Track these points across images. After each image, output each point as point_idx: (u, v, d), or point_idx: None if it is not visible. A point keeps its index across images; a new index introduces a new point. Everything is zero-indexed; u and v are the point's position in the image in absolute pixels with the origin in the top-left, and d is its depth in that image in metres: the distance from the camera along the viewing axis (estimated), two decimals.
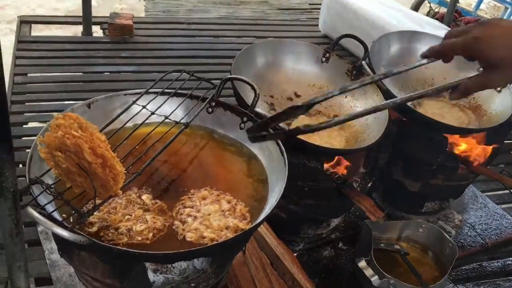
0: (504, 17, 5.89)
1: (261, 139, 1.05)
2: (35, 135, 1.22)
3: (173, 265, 1.22)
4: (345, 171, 1.78)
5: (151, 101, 1.41)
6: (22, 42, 3.48)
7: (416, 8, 5.33)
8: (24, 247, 1.08)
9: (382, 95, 1.81)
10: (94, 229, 1.12)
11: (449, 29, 3.84)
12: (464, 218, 2.22)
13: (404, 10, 3.91)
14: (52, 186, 1.07)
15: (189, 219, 1.19)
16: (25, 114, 2.85)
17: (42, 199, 1.07)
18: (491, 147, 1.98)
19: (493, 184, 2.64)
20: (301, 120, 1.72)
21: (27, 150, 1.20)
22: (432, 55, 1.03)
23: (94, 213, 1.11)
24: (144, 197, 1.22)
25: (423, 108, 1.95)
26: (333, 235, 2.02)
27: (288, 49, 1.97)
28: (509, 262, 2.05)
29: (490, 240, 2.11)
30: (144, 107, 1.39)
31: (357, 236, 1.90)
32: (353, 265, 1.83)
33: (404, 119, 1.92)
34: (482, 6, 6.55)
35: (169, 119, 1.39)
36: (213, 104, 1.46)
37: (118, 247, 1.08)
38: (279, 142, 1.30)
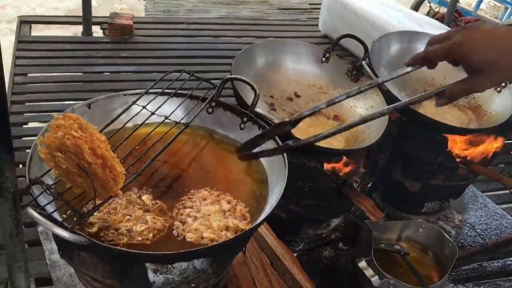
0: (504, 17, 5.90)
1: (253, 157, 1.01)
2: (35, 135, 1.22)
3: (173, 265, 1.22)
4: (346, 171, 1.78)
5: (151, 101, 1.41)
6: (22, 42, 3.48)
7: (416, 8, 5.33)
8: (24, 247, 1.09)
9: (382, 95, 1.81)
10: (94, 229, 1.12)
11: (449, 29, 3.84)
12: (464, 218, 2.22)
13: (404, 10, 3.91)
14: (52, 187, 1.07)
15: (189, 220, 1.19)
16: (25, 114, 2.85)
17: (42, 200, 1.07)
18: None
19: (493, 184, 2.64)
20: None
21: (27, 151, 1.20)
22: (416, 62, 1.04)
23: (94, 214, 1.11)
24: (144, 197, 1.22)
25: (423, 108, 1.95)
26: (333, 235, 2.02)
27: (288, 49, 1.97)
28: (509, 262, 2.05)
29: (490, 240, 2.11)
30: (144, 107, 1.39)
31: (357, 236, 1.90)
32: (353, 265, 1.83)
33: (404, 119, 1.92)
34: (482, 6, 6.55)
35: (169, 119, 1.39)
36: (213, 104, 1.46)
37: (118, 247, 1.08)
38: (279, 142, 1.30)
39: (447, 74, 1.98)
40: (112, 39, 3.65)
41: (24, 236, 1.08)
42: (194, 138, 1.44)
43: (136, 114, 1.37)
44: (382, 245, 1.88)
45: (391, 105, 1.03)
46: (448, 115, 1.97)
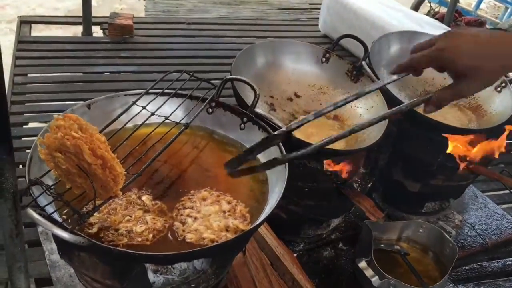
0: (504, 17, 5.90)
1: (244, 173, 0.96)
2: (35, 136, 1.22)
3: (173, 266, 1.22)
4: (346, 171, 1.78)
5: (151, 101, 1.40)
6: (22, 42, 3.48)
7: (416, 8, 5.33)
8: (24, 248, 1.09)
9: (382, 96, 1.81)
10: (94, 230, 1.12)
11: (449, 29, 3.84)
12: (464, 218, 2.22)
13: (404, 10, 3.90)
14: (52, 187, 1.07)
15: (189, 220, 1.19)
16: (25, 114, 2.85)
17: (42, 200, 1.07)
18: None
19: (493, 184, 2.64)
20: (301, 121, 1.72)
21: (27, 151, 1.20)
22: (401, 70, 1.05)
23: (94, 214, 1.11)
24: (144, 198, 1.22)
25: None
26: (333, 235, 2.02)
27: (288, 49, 1.97)
28: (509, 262, 2.05)
29: (490, 240, 2.11)
30: (144, 107, 1.39)
31: (357, 236, 1.90)
32: (353, 265, 1.83)
33: (404, 119, 1.92)
34: (482, 5, 6.55)
35: (169, 119, 1.39)
36: (213, 104, 1.46)
37: (118, 248, 1.07)
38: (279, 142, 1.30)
39: (447, 74, 1.98)
40: (112, 39, 3.64)
41: (24, 236, 1.08)
42: (194, 139, 1.44)
43: (136, 115, 1.37)
44: (382, 245, 1.88)
45: (377, 117, 1.02)
46: (448, 115, 1.97)
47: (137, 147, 1.26)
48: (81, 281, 1.37)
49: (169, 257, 1.11)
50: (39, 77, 3.19)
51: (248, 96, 1.55)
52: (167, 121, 1.38)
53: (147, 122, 1.37)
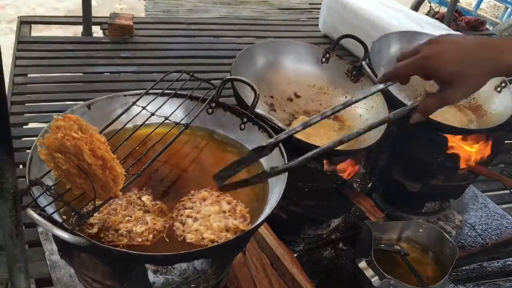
0: (504, 17, 5.90)
1: (234, 187, 0.93)
2: (35, 136, 1.22)
3: (173, 266, 1.22)
4: (346, 171, 1.78)
5: (151, 102, 1.41)
6: (22, 43, 3.48)
7: (416, 7, 5.33)
8: (24, 248, 1.09)
9: (382, 96, 1.81)
10: (94, 230, 1.12)
11: (449, 29, 3.85)
12: (464, 218, 2.22)
13: (405, 10, 3.90)
14: (52, 188, 1.07)
15: (189, 220, 1.19)
16: (25, 114, 2.84)
17: (42, 201, 1.07)
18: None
19: (493, 184, 2.64)
20: (301, 120, 1.72)
21: (27, 151, 1.20)
22: (387, 79, 1.05)
23: (94, 215, 1.11)
24: (144, 198, 1.22)
25: None
26: (333, 235, 2.02)
27: (288, 49, 1.97)
28: (510, 262, 2.05)
29: (490, 240, 2.11)
30: (144, 108, 1.39)
31: (357, 236, 1.90)
32: (353, 265, 1.83)
33: (404, 119, 1.92)
34: (482, 5, 6.56)
35: (169, 120, 1.39)
36: (213, 105, 1.46)
37: (118, 248, 1.08)
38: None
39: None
40: (112, 39, 3.64)
41: (24, 237, 1.08)
42: (194, 139, 1.44)
43: (136, 115, 1.37)
44: (382, 245, 1.88)
45: (365, 126, 1.03)
46: (448, 115, 1.97)
47: (137, 148, 1.26)
48: (81, 282, 1.37)
49: (169, 258, 1.11)
50: (39, 77, 3.19)
51: (248, 96, 1.55)
52: (167, 121, 1.38)
53: (147, 122, 1.37)
